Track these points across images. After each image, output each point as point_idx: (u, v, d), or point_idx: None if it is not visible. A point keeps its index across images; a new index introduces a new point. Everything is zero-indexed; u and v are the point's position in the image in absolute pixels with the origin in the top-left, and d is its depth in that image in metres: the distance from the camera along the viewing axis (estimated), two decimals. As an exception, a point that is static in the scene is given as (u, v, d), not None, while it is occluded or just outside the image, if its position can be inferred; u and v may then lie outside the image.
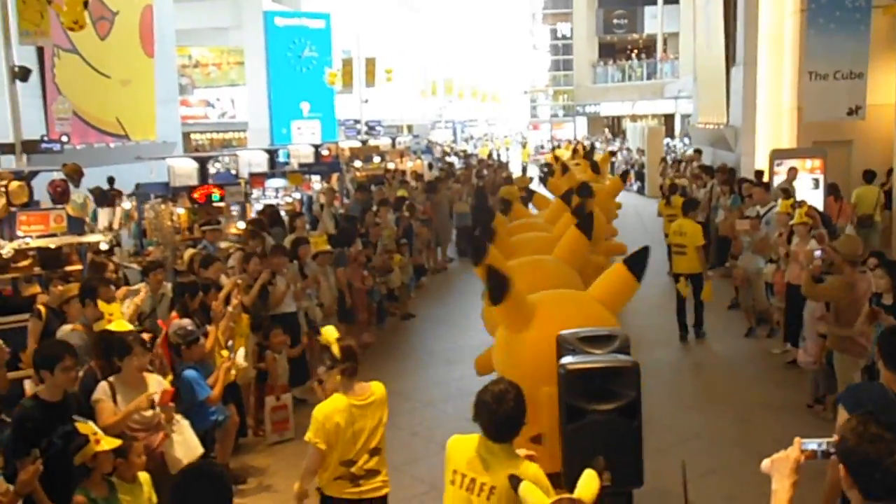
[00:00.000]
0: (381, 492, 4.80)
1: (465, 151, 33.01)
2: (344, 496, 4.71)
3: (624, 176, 15.26)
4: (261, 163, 15.94)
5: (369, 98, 34.99)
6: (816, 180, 14.83)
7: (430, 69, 47.35)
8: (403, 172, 19.64)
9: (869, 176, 14.30)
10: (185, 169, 12.80)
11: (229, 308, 6.71)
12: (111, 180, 15.70)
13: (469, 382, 7.00)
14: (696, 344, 11.06)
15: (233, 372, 6.40)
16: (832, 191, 14.13)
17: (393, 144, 25.97)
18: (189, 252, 9.49)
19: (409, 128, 49.62)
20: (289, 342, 8.20)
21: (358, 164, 21.43)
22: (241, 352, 6.70)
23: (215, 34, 41.90)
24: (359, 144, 23.80)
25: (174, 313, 6.73)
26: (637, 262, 5.11)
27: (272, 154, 16.88)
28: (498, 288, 4.81)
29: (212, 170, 13.79)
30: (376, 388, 4.82)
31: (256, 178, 15.14)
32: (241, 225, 12.56)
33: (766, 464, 2.76)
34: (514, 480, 3.54)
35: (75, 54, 23.59)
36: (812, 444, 2.72)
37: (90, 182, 17.47)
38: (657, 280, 14.35)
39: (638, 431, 4.06)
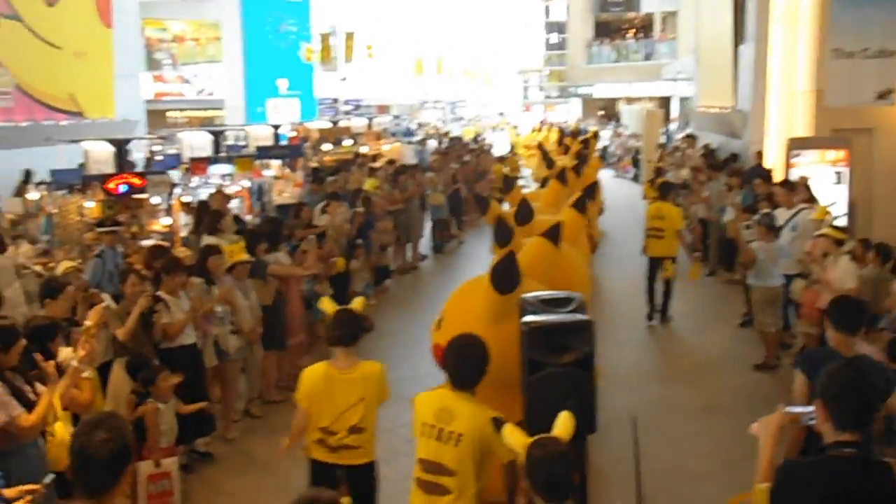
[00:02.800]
0: (360, 460, 4.76)
1: (447, 133, 30.72)
2: (321, 459, 4.77)
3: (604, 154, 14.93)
4: (204, 146, 13.94)
5: (352, 75, 33.02)
6: (839, 174, 12.95)
7: (418, 46, 45.17)
8: (374, 157, 17.65)
9: None
10: (103, 154, 10.81)
11: (73, 362, 4.71)
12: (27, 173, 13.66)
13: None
14: (702, 377, 9.14)
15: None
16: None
17: (369, 126, 23.84)
18: (64, 265, 7.47)
19: (416, 107, 47.44)
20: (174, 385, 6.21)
21: (327, 147, 19.45)
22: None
23: (192, 7, 40.07)
24: (328, 125, 21.73)
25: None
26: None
27: (217, 136, 14.83)
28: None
29: (138, 155, 11.77)
30: (366, 366, 4.78)
31: (198, 164, 13.17)
32: (167, 221, 10.62)
33: (754, 426, 3.29)
34: (497, 422, 3.79)
35: (17, 21, 21.50)
36: (796, 409, 3.29)
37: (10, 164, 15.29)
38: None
39: (592, 382, 4.31)
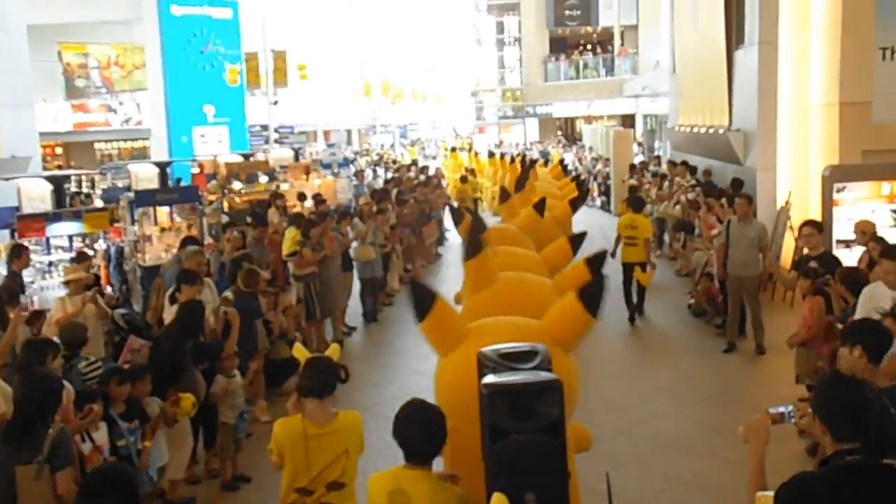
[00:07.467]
0: None
1: (395, 161, 27.03)
2: None
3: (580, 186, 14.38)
4: (44, 196, 10.29)
5: (286, 99, 29.62)
6: (896, 213, 9.72)
7: (361, 67, 41.81)
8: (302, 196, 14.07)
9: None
10: None
11: None
12: None
13: None
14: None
15: None
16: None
17: (296, 157, 20.19)
18: None
19: (349, 133, 44.37)
20: None
21: (238, 185, 15.88)
22: None
23: (115, 29, 36.56)
24: (239, 159, 18.10)
25: None
26: (591, 294, 4.44)
27: (58, 184, 11.03)
28: (421, 303, 4.60)
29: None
30: (344, 418, 4.29)
31: (30, 223, 9.53)
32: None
33: (741, 430, 3.25)
34: None
35: None
36: (780, 408, 3.26)
37: None
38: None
39: (563, 450, 3.78)
